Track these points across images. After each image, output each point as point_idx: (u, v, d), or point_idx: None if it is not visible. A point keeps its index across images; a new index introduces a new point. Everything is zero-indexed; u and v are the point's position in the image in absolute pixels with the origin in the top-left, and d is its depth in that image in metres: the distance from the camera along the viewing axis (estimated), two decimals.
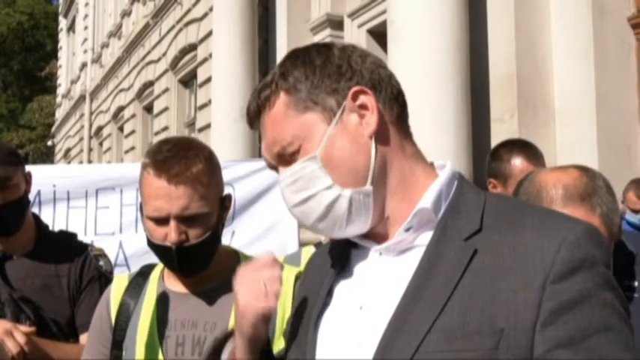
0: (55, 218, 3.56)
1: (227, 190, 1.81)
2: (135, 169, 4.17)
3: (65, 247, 2.35)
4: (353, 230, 1.14)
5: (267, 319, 1.22)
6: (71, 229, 3.31)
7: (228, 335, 1.35)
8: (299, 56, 1.17)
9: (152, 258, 1.80)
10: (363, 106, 1.13)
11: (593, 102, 5.88)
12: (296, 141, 1.12)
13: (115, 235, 3.83)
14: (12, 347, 1.91)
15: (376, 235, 1.17)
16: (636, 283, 1.67)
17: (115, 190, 3.88)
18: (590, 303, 0.99)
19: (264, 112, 1.16)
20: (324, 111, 1.12)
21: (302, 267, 1.92)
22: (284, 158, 1.15)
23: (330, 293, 1.19)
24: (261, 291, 1.19)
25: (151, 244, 1.71)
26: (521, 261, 1.02)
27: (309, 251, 2.30)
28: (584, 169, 1.61)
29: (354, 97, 1.12)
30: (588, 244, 1.03)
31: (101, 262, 2.34)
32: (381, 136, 1.13)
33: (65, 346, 2.14)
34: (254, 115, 1.19)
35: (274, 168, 1.19)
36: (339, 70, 1.14)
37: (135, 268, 3.55)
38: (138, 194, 3.81)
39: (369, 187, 1.12)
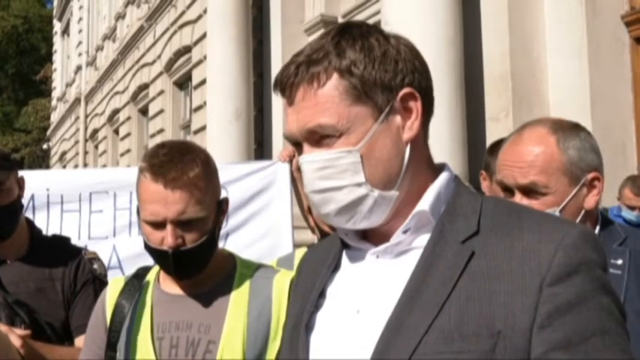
0: (48, 222, 3.55)
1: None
2: (128, 173, 4.19)
3: (59, 251, 2.35)
4: (362, 226, 1.14)
5: None
6: (65, 233, 3.31)
7: None
8: (356, 38, 1.11)
9: (145, 261, 1.80)
10: (408, 109, 1.11)
11: (587, 100, 5.89)
12: (339, 128, 1.09)
13: (109, 238, 3.84)
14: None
15: (373, 236, 1.17)
16: (620, 261, 1.72)
17: (109, 194, 3.89)
18: (587, 306, 0.99)
19: (307, 86, 1.10)
20: (374, 106, 1.09)
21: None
22: (314, 138, 1.11)
23: (323, 295, 1.19)
24: None
25: (148, 248, 1.72)
26: (518, 264, 1.02)
27: (302, 253, 2.30)
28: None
29: (404, 99, 1.11)
30: (585, 247, 1.03)
31: (95, 266, 2.34)
32: (415, 143, 1.12)
33: (60, 349, 2.14)
34: (292, 86, 1.12)
35: (296, 144, 1.17)
36: (396, 67, 1.10)
37: (129, 271, 3.55)
38: (132, 198, 3.84)
39: (395, 192, 1.11)
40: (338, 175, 1.09)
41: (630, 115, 6.12)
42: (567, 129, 1.76)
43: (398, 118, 1.11)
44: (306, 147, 1.13)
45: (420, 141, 1.14)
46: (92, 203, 3.87)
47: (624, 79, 6.10)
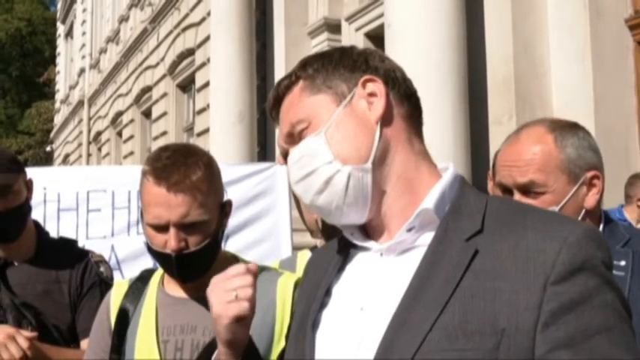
0: (45, 221, 3.49)
1: None
2: (127, 171, 4.14)
3: (66, 254, 2.36)
4: (351, 215, 1.16)
5: (243, 323, 1.29)
6: (62, 232, 3.28)
7: (214, 342, 1.38)
8: (320, 54, 1.24)
9: (145, 262, 1.80)
10: (373, 94, 1.17)
11: (591, 103, 5.89)
12: (306, 119, 1.17)
13: (107, 238, 3.77)
14: (15, 351, 1.91)
15: (375, 234, 1.18)
16: (623, 263, 1.72)
17: (107, 193, 3.82)
18: (592, 304, 1.00)
19: (282, 98, 1.23)
20: (335, 94, 1.17)
21: (299, 272, 1.93)
22: (294, 139, 1.19)
23: (328, 293, 1.20)
24: (231, 298, 1.25)
25: (151, 251, 1.72)
26: (522, 262, 1.03)
27: (304, 255, 2.30)
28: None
29: (364, 85, 1.17)
30: (589, 245, 1.03)
31: (102, 269, 2.35)
32: (387, 123, 1.17)
33: (67, 351, 2.15)
34: (273, 105, 1.24)
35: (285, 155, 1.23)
36: (355, 64, 1.20)
37: (127, 272, 3.53)
38: (130, 197, 3.80)
39: (368, 164, 1.14)
40: (311, 160, 1.15)
41: (633, 118, 6.12)
42: (565, 127, 1.76)
43: (363, 103, 1.17)
44: (290, 150, 1.21)
45: (397, 126, 1.18)
46: (90, 202, 3.79)
47: (627, 83, 6.10)
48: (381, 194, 1.15)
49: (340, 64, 1.20)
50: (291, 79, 1.22)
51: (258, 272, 1.33)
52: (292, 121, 1.19)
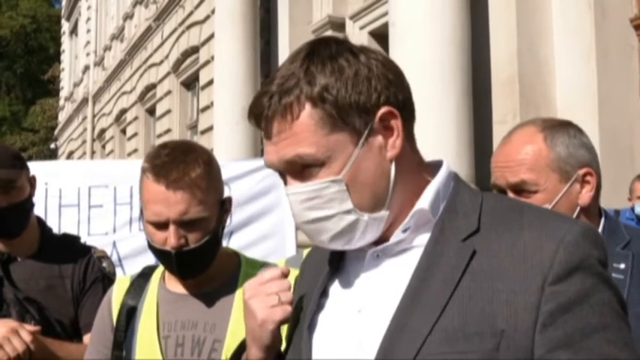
0: (46, 217, 3.46)
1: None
2: (128, 166, 4.10)
3: (69, 249, 2.37)
4: (359, 245, 1.13)
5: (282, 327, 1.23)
6: (64, 228, 3.26)
7: (242, 346, 1.36)
8: (325, 61, 1.09)
9: (146, 258, 1.80)
10: (389, 128, 1.10)
11: (595, 103, 5.88)
12: (320, 158, 1.07)
13: (109, 234, 3.75)
14: (18, 345, 1.92)
15: None
16: (622, 265, 1.72)
17: (109, 188, 3.79)
18: (589, 303, 1.00)
19: (281, 119, 1.08)
20: (352, 131, 1.07)
21: None
22: (296, 168, 1.10)
23: (325, 294, 1.19)
24: (275, 302, 1.18)
25: (152, 248, 1.73)
26: (519, 262, 1.03)
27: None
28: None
29: (382, 118, 1.09)
30: (586, 244, 1.03)
31: (104, 264, 2.36)
32: (400, 158, 1.11)
33: (70, 345, 2.15)
34: (266, 119, 1.10)
35: (280, 173, 1.14)
36: (370, 87, 1.08)
37: (129, 268, 3.51)
38: (132, 192, 3.75)
39: (385, 212, 1.10)
40: (325, 205, 1.09)
41: (638, 119, 6.11)
42: (556, 126, 1.77)
43: (379, 138, 1.09)
44: (289, 179, 1.11)
45: (406, 153, 1.13)
46: (91, 198, 3.76)
47: (632, 83, 6.09)
48: (390, 219, 1.13)
49: (356, 89, 1.07)
50: (294, 95, 1.07)
51: (288, 272, 1.30)
52: (300, 153, 1.07)
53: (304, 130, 1.07)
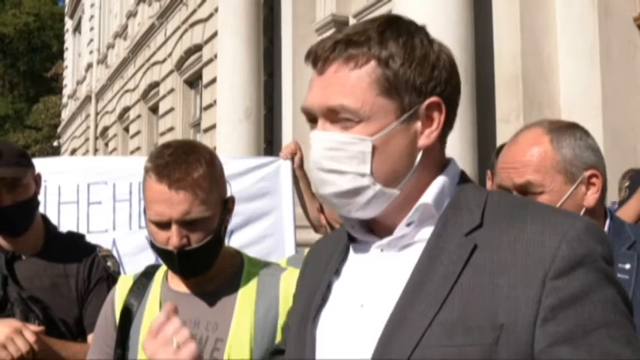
0: (46, 214, 3.45)
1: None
2: (127, 163, 4.09)
3: (74, 248, 2.37)
4: (355, 215, 1.14)
5: None
6: (63, 226, 3.24)
7: None
8: (402, 32, 1.12)
9: (146, 256, 1.80)
10: (430, 118, 1.11)
11: (599, 102, 5.87)
12: (361, 114, 1.08)
13: (109, 232, 3.73)
14: (22, 346, 1.92)
15: (379, 230, 1.17)
16: (628, 266, 1.72)
17: (108, 185, 3.78)
18: (591, 299, 1.00)
19: (342, 65, 1.10)
20: (400, 104, 1.09)
21: None
22: (332, 117, 1.11)
23: (329, 288, 1.19)
24: (174, 348, 1.26)
25: (154, 247, 1.74)
26: (521, 257, 1.03)
27: None
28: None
29: (429, 107, 1.11)
30: (589, 239, 1.03)
31: (109, 263, 2.36)
32: (429, 151, 1.13)
33: (74, 345, 2.15)
34: (326, 60, 1.11)
35: (311, 119, 1.15)
36: (432, 73, 1.11)
37: (129, 267, 3.50)
38: (131, 188, 3.74)
39: (396, 191, 1.11)
40: (345, 160, 1.09)
41: None
42: (562, 128, 1.77)
43: (418, 124, 1.11)
44: (321, 122, 1.12)
45: (436, 150, 1.14)
46: (90, 195, 3.74)
47: (635, 81, 6.08)
48: (394, 199, 1.13)
49: (418, 69, 1.10)
50: (362, 50, 1.09)
51: (175, 309, 1.34)
52: (345, 104, 1.08)
53: (357, 84, 1.08)
